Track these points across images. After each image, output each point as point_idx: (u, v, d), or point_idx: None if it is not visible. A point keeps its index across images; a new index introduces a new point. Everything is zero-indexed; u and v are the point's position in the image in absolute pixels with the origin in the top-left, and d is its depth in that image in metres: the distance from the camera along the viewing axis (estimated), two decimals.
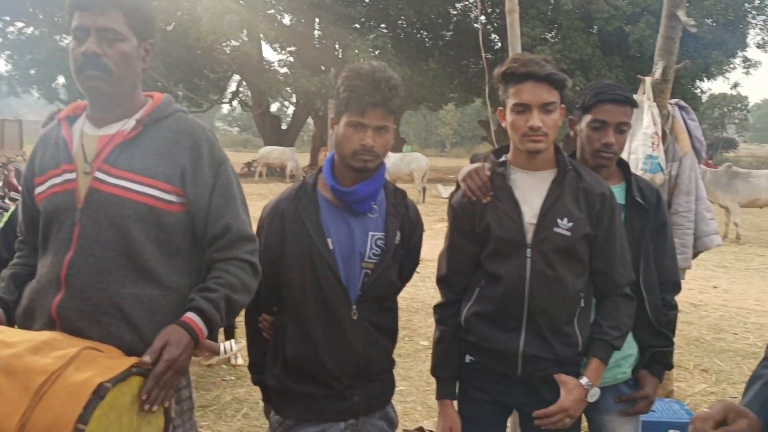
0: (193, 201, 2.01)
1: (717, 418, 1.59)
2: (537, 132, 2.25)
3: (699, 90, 28.72)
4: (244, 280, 2.02)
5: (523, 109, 2.25)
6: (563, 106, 2.32)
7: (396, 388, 2.49)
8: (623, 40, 25.16)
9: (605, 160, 2.54)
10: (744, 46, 27.63)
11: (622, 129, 2.53)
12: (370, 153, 2.18)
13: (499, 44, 28.53)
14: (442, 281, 2.50)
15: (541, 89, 2.24)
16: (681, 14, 3.71)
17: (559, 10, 25.64)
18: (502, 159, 2.42)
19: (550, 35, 27.67)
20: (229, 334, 5.75)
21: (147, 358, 1.79)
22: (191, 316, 1.91)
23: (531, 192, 2.35)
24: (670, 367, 2.70)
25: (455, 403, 2.48)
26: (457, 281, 2.45)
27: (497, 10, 28.04)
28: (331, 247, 2.23)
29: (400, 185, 2.47)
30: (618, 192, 2.56)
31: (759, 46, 28.03)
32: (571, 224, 2.30)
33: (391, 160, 19.79)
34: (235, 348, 5.59)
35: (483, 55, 4.35)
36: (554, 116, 2.28)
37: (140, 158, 1.98)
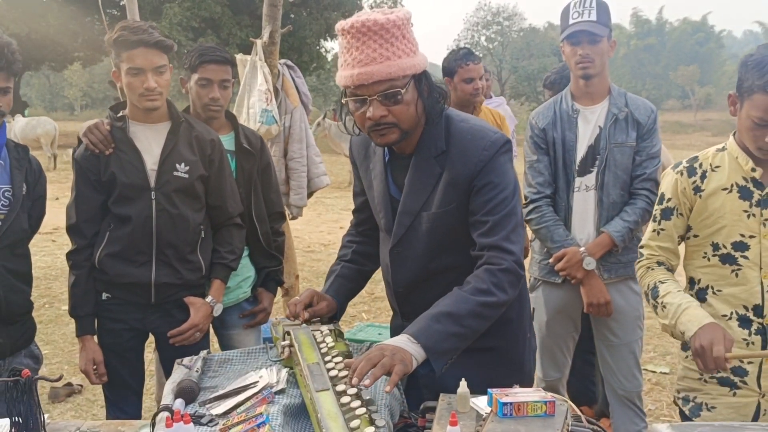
0: None
1: (306, 301, 2.14)
2: (152, 92, 2.57)
3: (324, 49, 30.76)
4: None
5: (137, 72, 2.55)
6: (171, 66, 2.66)
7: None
8: (251, 0, 25.88)
9: (214, 113, 2.95)
10: (359, 8, 30.09)
11: (225, 85, 2.94)
12: None
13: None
14: (72, 229, 2.69)
15: (152, 54, 2.55)
16: None
17: None
18: (120, 114, 2.69)
19: None
20: None
21: None
22: None
23: (150, 142, 2.67)
24: (281, 283, 3.25)
25: (95, 337, 2.74)
26: (87, 228, 2.67)
27: None
28: None
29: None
30: (228, 140, 3.00)
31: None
32: (187, 167, 2.67)
33: (20, 124, 18.33)
34: None
35: (103, 14, 4.47)
36: (166, 77, 2.61)
37: None
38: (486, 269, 1.90)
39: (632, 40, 58.49)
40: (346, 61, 1.87)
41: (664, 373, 4.86)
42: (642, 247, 2.37)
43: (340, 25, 1.87)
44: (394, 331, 2.24)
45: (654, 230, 2.31)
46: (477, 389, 1.75)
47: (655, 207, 2.32)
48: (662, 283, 2.25)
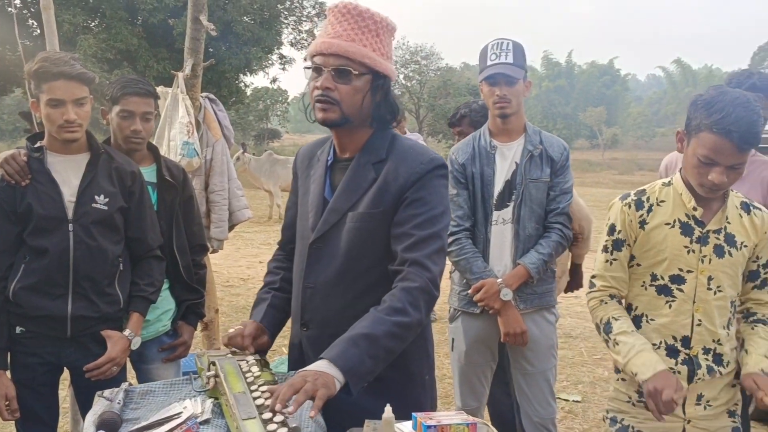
0: None
1: (254, 333, 2.16)
2: (72, 124, 2.55)
3: (243, 84, 30.54)
4: None
5: (57, 103, 2.53)
6: (92, 97, 2.64)
7: None
8: (168, 33, 25.51)
9: (136, 145, 2.93)
10: (279, 44, 30.02)
11: (147, 118, 2.93)
12: None
13: (38, 30, 26.71)
14: None
15: (73, 86, 2.54)
16: (203, 18, 4.24)
17: None
18: (38, 145, 2.65)
19: (94, 23, 26.81)
20: None
21: None
22: None
23: (68, 173, 2.64)
24: (202, 316, 3.23)
25: (8, 372, 2.64)
26: (1, 261, 2.60)
27: None
28: None
29: None
30: (150, 172, 2.98)
31: (292, 45, 30.53)
32: (107, 199, 2.65)
33: None
34: None
35: (19, 43, 4.39)
36: (86, 108, 2.60)
37: None
38: (402, 288, 1.93)
39: (543, 82, 60.54)
40: (322, 33, 2.02)
41: (577, 402, 5.02)
42: (594, 277, 2.41)
43: (332, 4, 2.04)
44: (292, 344, 2.28)
45: (607, 260, 2.37)
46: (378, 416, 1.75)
47: (606, 237, 2.37)
48: (616, 320, 2.31)
